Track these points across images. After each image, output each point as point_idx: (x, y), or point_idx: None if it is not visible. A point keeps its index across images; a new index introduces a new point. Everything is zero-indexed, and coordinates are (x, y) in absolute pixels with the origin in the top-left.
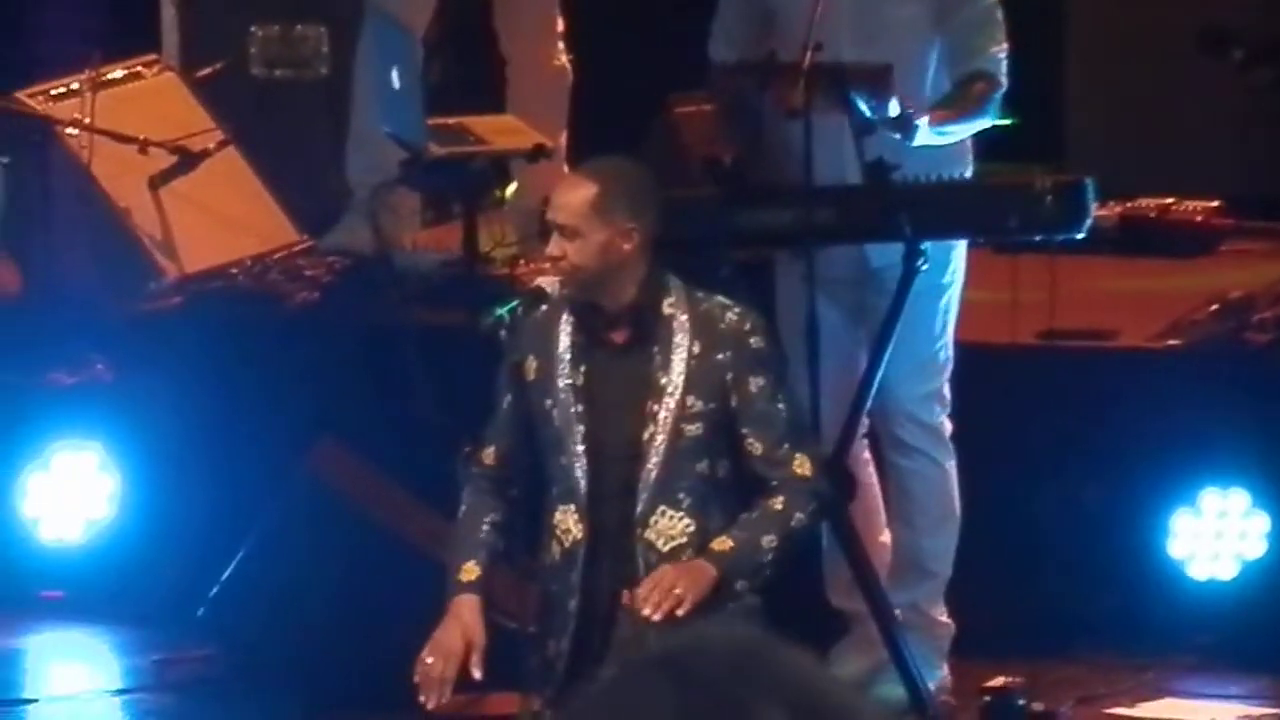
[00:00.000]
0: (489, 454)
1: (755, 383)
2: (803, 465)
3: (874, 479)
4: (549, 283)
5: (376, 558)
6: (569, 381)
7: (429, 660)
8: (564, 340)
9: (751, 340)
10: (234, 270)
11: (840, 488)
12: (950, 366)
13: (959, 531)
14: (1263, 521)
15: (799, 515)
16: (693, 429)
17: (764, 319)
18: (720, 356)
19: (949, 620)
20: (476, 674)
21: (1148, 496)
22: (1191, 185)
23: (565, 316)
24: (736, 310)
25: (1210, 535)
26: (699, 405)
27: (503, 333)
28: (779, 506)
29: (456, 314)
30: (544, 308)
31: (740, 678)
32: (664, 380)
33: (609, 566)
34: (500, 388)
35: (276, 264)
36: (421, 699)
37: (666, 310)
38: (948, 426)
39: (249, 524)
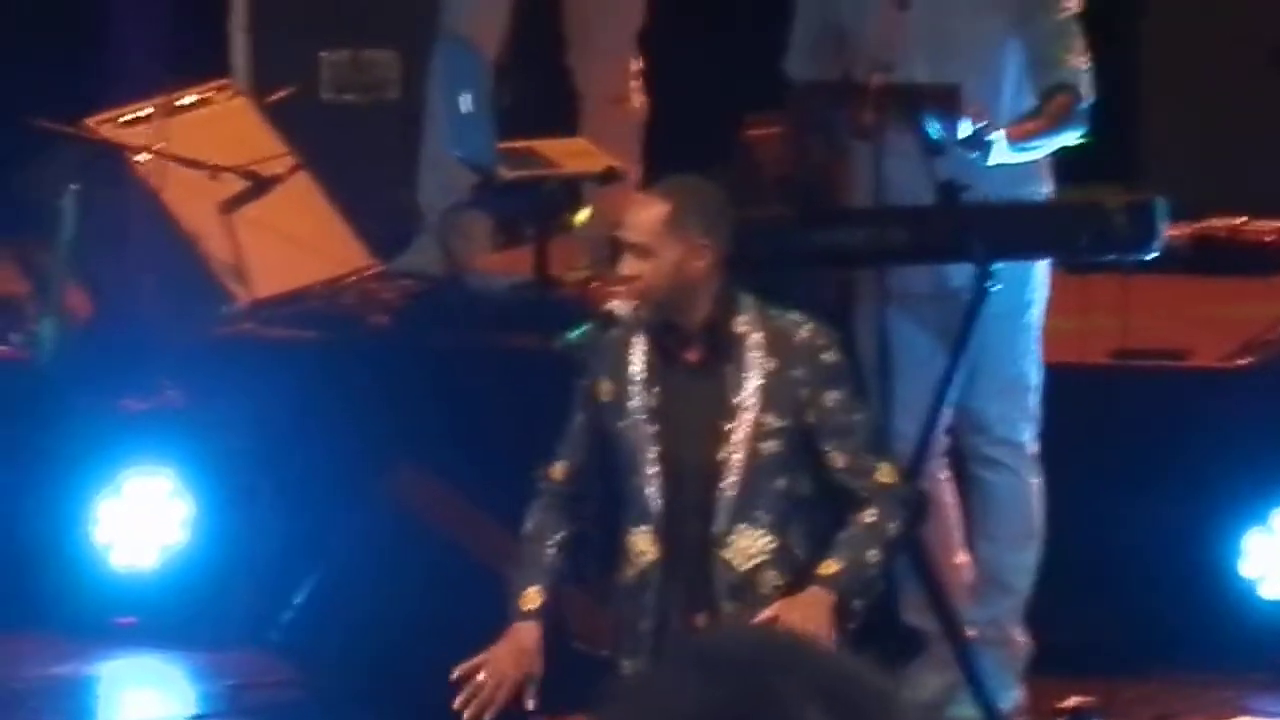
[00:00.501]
0: (559, 469)
1: (832, 396)
2: (887, 474)
3: (952, 498)
4: (620, 306)
5: (452, 581)
6: (643, 402)
7: (481, 678)
8: (637, 361)
9: (825, 355)
10: (306, 295)
11: (914, 505)
12: (1038, 384)
13: (1045, 553)
14: None
15: (892, 525)
16: (770, 446)
17: (837, 333)
18: (795, 372)
19: (1027, 640)
20: (530, 705)
21: (1220, 515)
22: (1264, 204)
23: (638, 337)
24: (809, 325)
25: None
26: (776, 422)
27: (577, 355)
28: (872, 519)
29: (528, 337)
30: (617, 329)
31: (770, 668)
32: (739, 398)
33: (684, 587)
34: (574, 406)
35: (348, 288)
36: (458, 704)
37: (740, 328)
38: (1034, 445)
39: (322, 548)
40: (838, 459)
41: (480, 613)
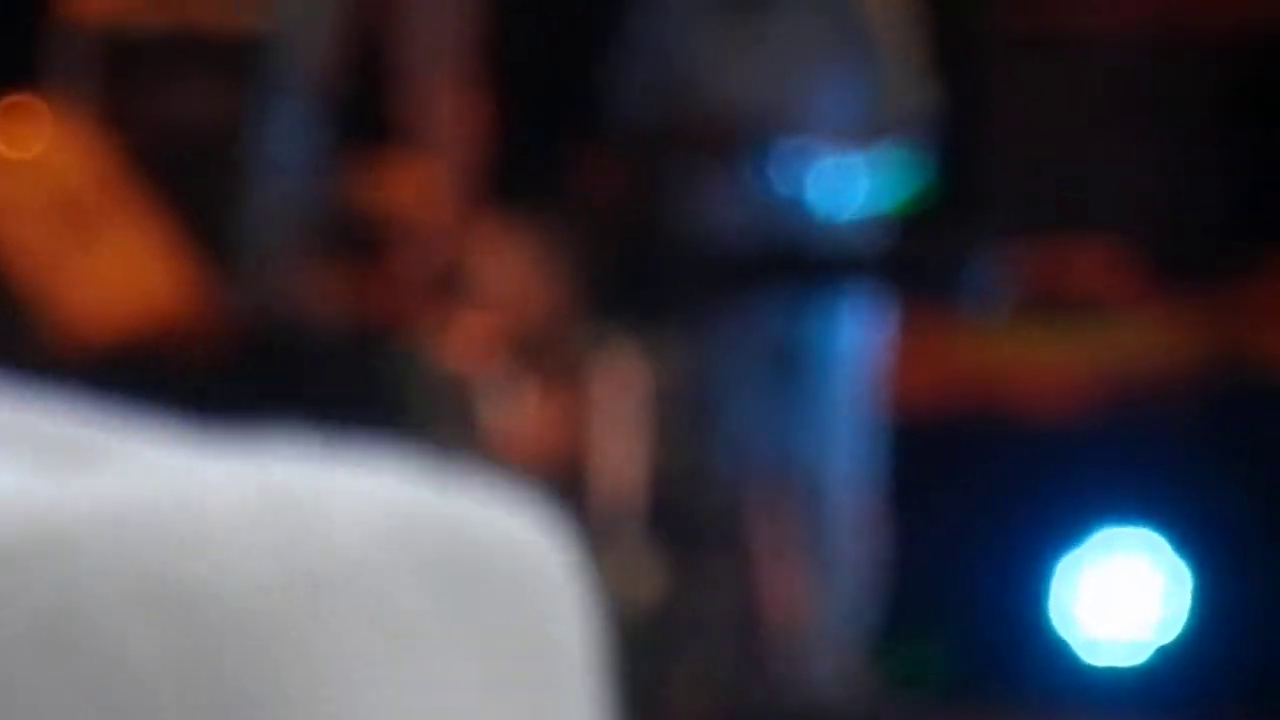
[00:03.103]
0: None
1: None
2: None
3: (784, 546)
4: (471, 349)
5: None
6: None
7: None
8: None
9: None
10: (141, 334)
11: (745, 556)
12: (875, 435)
13: (876, 600)
14: (1171, 589)
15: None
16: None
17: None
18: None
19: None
20: None
21: (1056, 564)
22: (1107, 248)
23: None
24: (645, 364)
25: (1116, 602)
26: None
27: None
28: None
29: (358, 376)
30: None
31: None
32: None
33: None
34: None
35: (185, 326)
36: None
37: (587, 368)
38: (870, 495)
39: None
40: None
41: None
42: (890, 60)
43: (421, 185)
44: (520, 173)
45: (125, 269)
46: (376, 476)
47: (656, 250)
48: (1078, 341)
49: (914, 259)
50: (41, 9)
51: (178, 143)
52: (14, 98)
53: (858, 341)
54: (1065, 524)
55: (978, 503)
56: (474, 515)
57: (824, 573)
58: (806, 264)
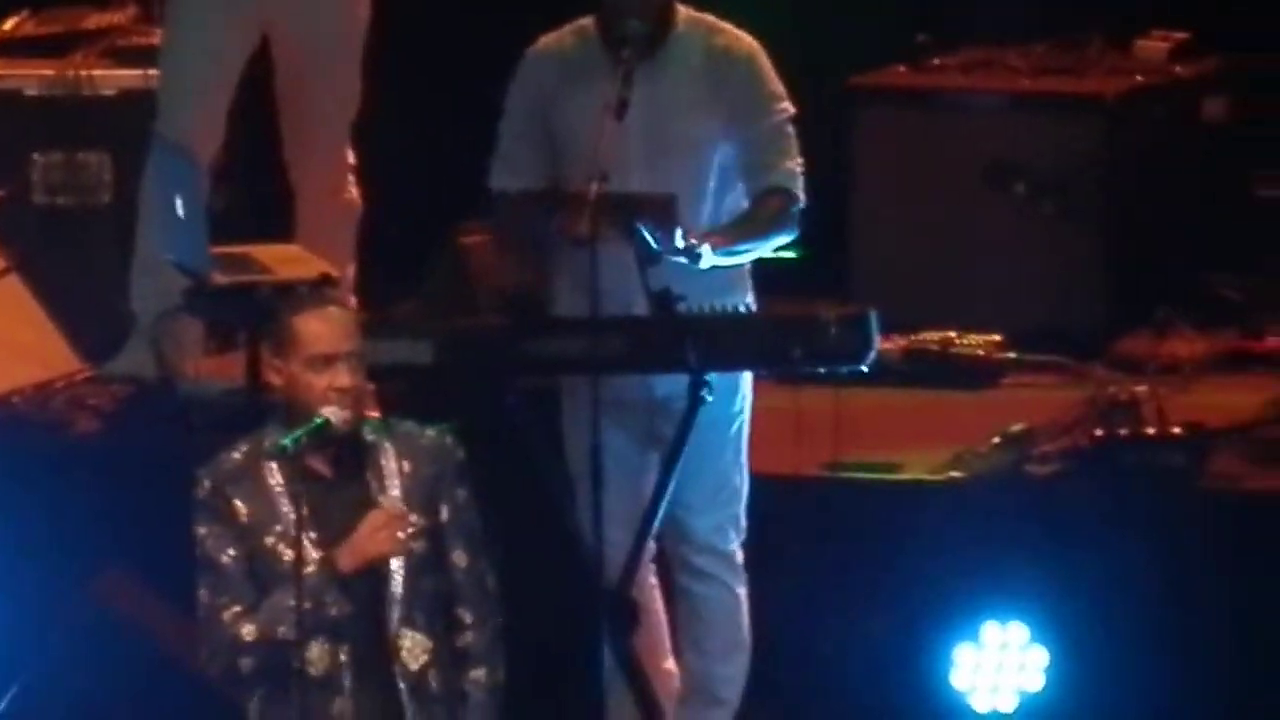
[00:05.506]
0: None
1: (461, 494)
2: (493, 585)
3: (659, 605)
4: (334, 412)
5: (163, 686)
6: (293, 516)
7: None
8: (273, 478)
9: (457, 453)
10: (14, 398)
11: (624, 616)
12: (745, 493)
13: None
14: (1041, 655)
15: (501, 673)
16: (419, 546)
17: (458, 435)
18: (429, 471)
19: None
20: None
21: (931, 628)
22: (974, 318)
23: (266, 457)
24: (432, 429)
25: (991, 668)
26: (420, 521)
27: (206, 483)
28: (481, 678)
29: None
30: (238, 453)
31: None
32: (385, 503)
33: (369, 694)
34: (211, 544)
35: (59, 392)
36: None
37: (368, 437)
38: (740, 554)
39: (30, 656)
40: (462, 559)
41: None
42: (762, 126)
43: (307, 254)
44: (401, 235)
45: (10, 335)
46: None
47: (535, 316)
48: (954, 408)
49: (784, 324)
50: None
51: (58, 201)
52: None
53: (732, 406)
54: (953, 593)
55: (854, 568)
56: None
57: (699, 637)
58: (680, 330)
